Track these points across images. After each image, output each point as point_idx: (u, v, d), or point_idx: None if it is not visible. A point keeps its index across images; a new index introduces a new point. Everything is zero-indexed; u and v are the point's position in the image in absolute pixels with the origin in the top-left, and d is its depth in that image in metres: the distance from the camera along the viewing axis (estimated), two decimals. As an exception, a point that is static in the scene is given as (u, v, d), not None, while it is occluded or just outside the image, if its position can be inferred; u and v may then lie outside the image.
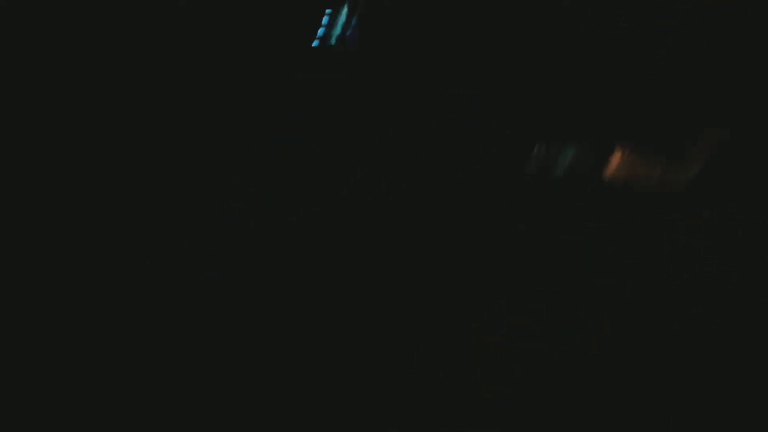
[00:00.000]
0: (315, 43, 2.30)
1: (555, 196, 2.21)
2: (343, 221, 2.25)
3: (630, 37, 2.08)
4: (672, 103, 2.08)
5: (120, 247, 2.12)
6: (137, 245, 2.13)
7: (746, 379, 1.72)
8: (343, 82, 2.30)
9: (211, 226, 2.25)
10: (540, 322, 2.09)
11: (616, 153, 2.20)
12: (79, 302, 1.95)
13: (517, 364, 1.93)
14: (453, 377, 1.88)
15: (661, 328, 1.88)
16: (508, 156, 2.25)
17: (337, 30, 2.27)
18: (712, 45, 1.98)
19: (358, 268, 2.19)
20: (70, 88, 2.17)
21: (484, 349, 1.98)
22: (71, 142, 2.16)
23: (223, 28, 2.29)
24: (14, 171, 2.08)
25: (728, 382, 1.73)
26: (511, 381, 1.87)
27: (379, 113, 2.30)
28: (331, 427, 1.71)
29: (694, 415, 1.71)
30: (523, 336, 2.06)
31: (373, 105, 2.30)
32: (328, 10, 2.29)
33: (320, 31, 2.31)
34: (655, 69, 2.08)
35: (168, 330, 1.93)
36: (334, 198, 2.28)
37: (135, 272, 2.08)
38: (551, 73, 2.18)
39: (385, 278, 2.17)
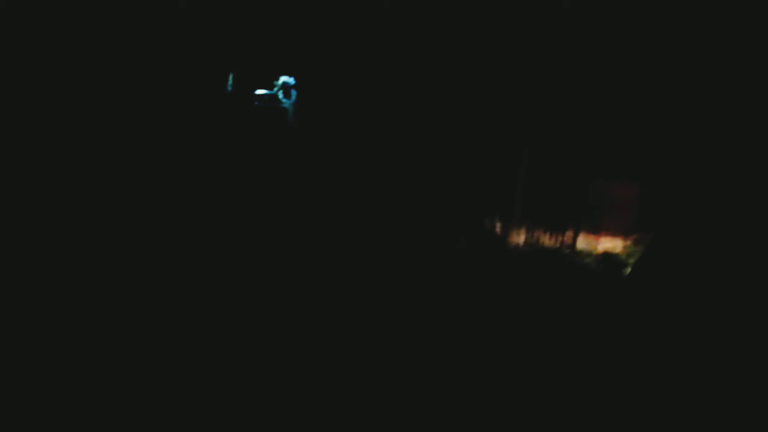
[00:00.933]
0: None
1: (555, 196, 2.21)
2: (343, 221, 2.25)
3: (630, 39, 2.07)
4: (673, 104, 2.08)
5: (120, 247, 2.12)
6: (137, 245, 2.14)
7: (746, 379, 1.72)
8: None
9: (212, 226, 2.25)
10: (539, 322, 2.09)
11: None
12: (79, 302, 1.96)
13: (517, 364, 1.93)
14: (452, 377, 1.88)
15: (661, 328, 1.88)
16: (508, 156, 2.24)
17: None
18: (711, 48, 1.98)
19: (358, 269, 2.19)
20: (70, 89, 2.17)
21: (484, 349, 1.99)
22: (71, 141, 2.16)
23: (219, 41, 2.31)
24: (13, 170, 2.08)
25: (728, 381, 1.73)
26: (511, 381, 1.88)
27: (378, 113, 2.30)
28: (331, 428, 1.71)
29: (693, 414, 1.71)
30: (522, 336, 2.07)
31: (373, 105, 2.30)
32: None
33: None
34: (654, 69, 2.08)
35: (168, 330, 1.93)
36: (334, 198, 2.29)
37: (135, 272, 2.08)
38: (552, 75, 2.17)
39: (384, 278, 2.17)
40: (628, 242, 2.08)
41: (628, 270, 2.02)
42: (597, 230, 2.14)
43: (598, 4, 2.02)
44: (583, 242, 2.13)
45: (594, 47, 2.08)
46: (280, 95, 2.45)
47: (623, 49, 2.07)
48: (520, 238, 2.17)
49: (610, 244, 2.10)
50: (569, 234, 2.13)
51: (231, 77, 2.34)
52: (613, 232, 2.12)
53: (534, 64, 2.14)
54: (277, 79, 2.45)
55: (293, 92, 2.43)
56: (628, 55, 2.07)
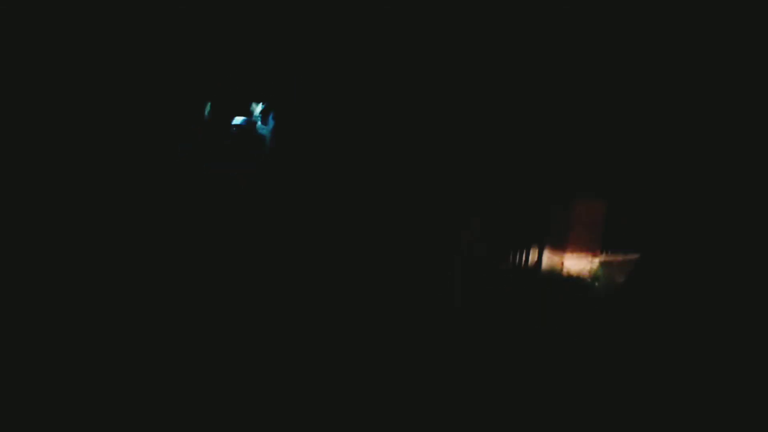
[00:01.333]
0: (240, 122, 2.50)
1: (551, 197, 2.21)
2: (341, 221, 2.25)
3: (632, 43, 2.09)
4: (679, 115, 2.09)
5: (119, 247, 2.11)
6: (137, 246, 2.13)
7: (746, 379, 1.72)
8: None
9: (212, 226, 2.25)
10: (540, 321, 2.09)
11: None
12: (79, 302, 1.95)
13: (518, 362, 1.92)
14: (452, 378, 1.88)
15: (660, 328, 1.88)
16: (505, 158, 2.25)
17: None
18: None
19: (358, 270, 2.19)
20: (69, 89, 2.18)
21: (484, 349, 1.98)
22: (70, 142, 2.16)
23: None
24: (12, 170, 2.08)
25: (728, 381, 1.73)
26: (512, 381, 1.87)
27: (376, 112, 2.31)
28: (330, 428, 1.70)
29: (692, 414, 1.70)
30: (521, 334, 2.06)
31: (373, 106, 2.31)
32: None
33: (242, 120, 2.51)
34: (654, 72, 2.09)
35: (167, 330, 1.93)
36: (332, 197, 2.29)
37: (135, 272, 2.07)
38: (552, 79, 2.19)
39: (382, 279, 2.16)
40: (596, 261, 2.07)
41: (618, 288, 2.01)
42: (563, 249, 2.13)
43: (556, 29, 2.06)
44: (548, 261, 2.12)
45: (558, 66, 2.11)
46: (258, 122, 2.49)
47: (585, 69, 2.09)
48: (485, 257, 2.17)
49: (576, 263, 2.09)
50: (534, 253, 2.13)
51: (208, 105, 2.38)
52: (580, 251, 2.11)
53: (500, 80, 2.15)
54: (254, 106, 2.48)
55: (271, 119, 2.46)
56: (592, 74, 2.09)
